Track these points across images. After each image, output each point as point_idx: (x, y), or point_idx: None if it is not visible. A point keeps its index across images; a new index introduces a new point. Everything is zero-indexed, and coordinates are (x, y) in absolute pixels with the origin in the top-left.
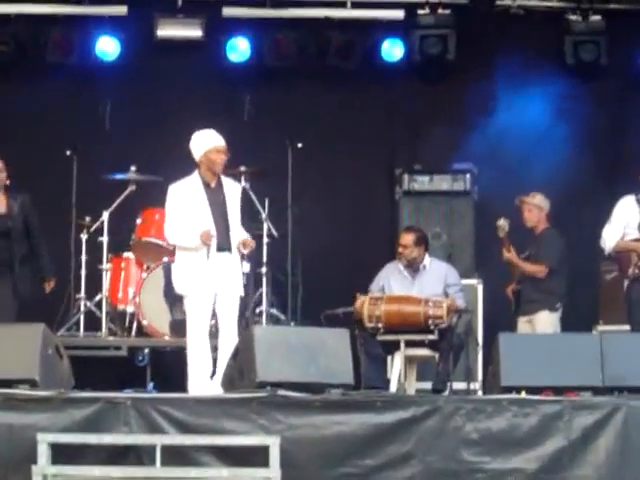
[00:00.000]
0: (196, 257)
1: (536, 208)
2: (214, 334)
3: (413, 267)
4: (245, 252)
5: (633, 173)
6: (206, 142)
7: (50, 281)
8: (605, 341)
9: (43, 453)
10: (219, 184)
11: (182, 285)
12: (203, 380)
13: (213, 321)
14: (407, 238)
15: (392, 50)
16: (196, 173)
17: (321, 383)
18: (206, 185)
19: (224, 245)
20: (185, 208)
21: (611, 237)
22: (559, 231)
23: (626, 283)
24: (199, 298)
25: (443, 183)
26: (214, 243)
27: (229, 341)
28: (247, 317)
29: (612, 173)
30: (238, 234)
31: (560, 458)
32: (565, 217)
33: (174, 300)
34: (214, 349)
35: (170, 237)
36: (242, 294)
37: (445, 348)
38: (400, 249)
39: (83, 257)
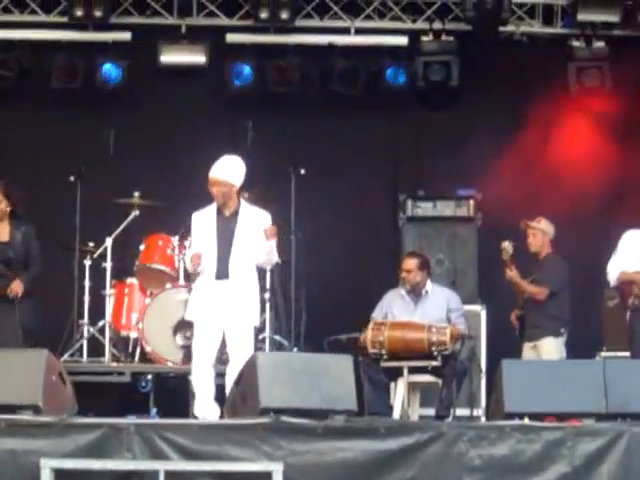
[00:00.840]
0: (200, 284)
1: (540, 233)
2: (225, 361)
3: (416, 292)
4: (269, 242)
5: (636, 200)
6: (210, 173)
7: (16, 285)
8: (608, 367)
9: (46, 479)
10: (234, 213)
11: (188, 311)
12: (206, 403)
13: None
14: (410, 263)
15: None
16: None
17: (324, 409)
18: (219, 213)
19: (222, 273)
20: (200, 236)
21: (616, 268)
22: (562, 257)
23: (628, 313)
24: (200, 324)
25: (446, 209)
26: (212, 272)
27: (236, 370)
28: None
29: (618, 200)
30: (244, 262)
31: None
32: (570, 243)
33: (177, 327)
34: (222, 375)
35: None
36: (256, 323)
37: (448, 374)
38: (404, 274)
39: (86, 283)
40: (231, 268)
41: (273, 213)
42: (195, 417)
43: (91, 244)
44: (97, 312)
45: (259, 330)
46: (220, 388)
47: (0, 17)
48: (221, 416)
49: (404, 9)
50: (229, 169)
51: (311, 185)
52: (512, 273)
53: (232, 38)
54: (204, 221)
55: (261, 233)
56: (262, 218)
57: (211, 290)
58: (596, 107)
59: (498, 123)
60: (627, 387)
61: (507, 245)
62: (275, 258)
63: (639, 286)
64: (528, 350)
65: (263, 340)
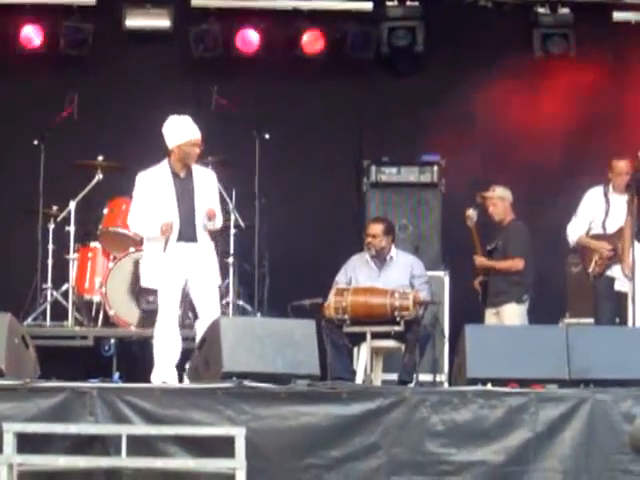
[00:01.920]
0: (157, 248)
1: (499, 200)
2: (189, 325)
3: (380, 258)
4: (209, 225)
5: (600, 164)
6: (182, 134)
7: None
8: (571, 333)
9: (9, 442)
10: (189, 174)
11: (149, 278)
12: (169, 369)
13: (184, 311)
14: (376, 228)
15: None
16: (165, 162)
17: (287, 374)
18: (175, 175)
19: (190, 235)
20: (151, 197)
21: (575, 231)
22: (525, 223)
23: (592, 278)
24: (167, 289)
25: (411, 175)
26: (175, 235)
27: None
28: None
29: (579, 164)
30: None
31: (526, 450)
32: (532, 209)
33: (140, 292)
34: (190, 339)
35: (132, 225)
36: (219, 282)
37: (411, 340)
38: (369, 239)
39: (50, 246)
40: (198, 231)
41: (237, 178)
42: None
43: (55, 208)
44: (60, 276)
45: (222, 295)
46: (184, 353)
47: None
48: (180, 381)
49: None
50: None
51: (275, 150)
52: (480, 259)
53: (197, 2)
54: (156, 182)
55: (212, 192)
56: (211, 178)
57: (174, 252)
58: (560, 74)
59: (463, 89)
60: (590, 353)
61: (471, 212)
62: (220, 225)
63: (598, 253)
64: (490, 316)
65: (227, 305)
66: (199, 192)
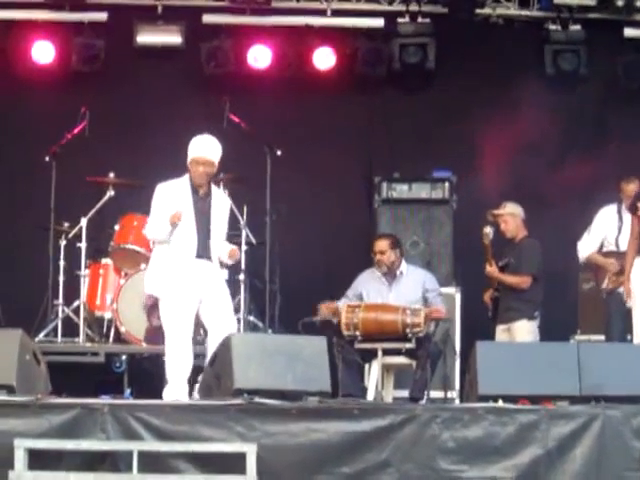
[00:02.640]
0: (175, 260)
1: (510, 217)
2: (199, 341)
3: (391, 273)
4: (229, 262)
5: (611, 182)
6: (192, 150)
7: None
8: (582, 350)
9: (20, 458)
10: (207, 193)
11: (156, 286)
12: (181, 386)
13: (195, 328)
14: (382, 244)
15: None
16: (186, 176)
17: (298, 391)
18: (194, 191)
19: (203, 253)
20: (169, 208)
21: (586, 248)
22: (537, 240)
23: (604, 295)
24: (177, 300)
25: (422, 191)
26: (193, 252)
27: None
28: None
29: (591, 182)
30: (219, 245)
31: (537, 467)
32: (544, 225)
33: (150, 308)
34: (201, 356)
35: (147, 232)
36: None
37: (422, 356)
38: (378, 256)
39: (61, 263)
40: (211, 250)
41: (249, 194)
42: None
43: (66, 224)
44: (72, 292)
45: (234, 311)
46: (195, 369)
47: None
48: (190, 396)
49: None
50: (216, 150)
51: (286, 166)
52: (491, 269)
53: (208, 19)
54: (176, 195)
55: (224, 218)
56: (227, 204)
57: (190, 268)
58: (571, 90)
59: (474, 105)
60: (601, 370)
61: (488, 230)
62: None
63: (611, 270)
64: (501, 333)
65: (238, 321)
66: (215, 213)
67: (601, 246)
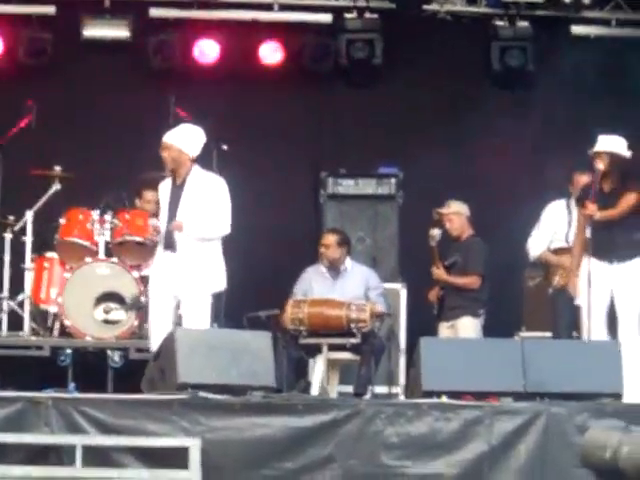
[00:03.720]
0: (156, 258)
1: (455, 216)
2: None
3: (334, 269)
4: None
5: (560, 180)
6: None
7: None
8: (527, 347)
9: None
10: (184, 181)
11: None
12: None
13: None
14: (329, 238)
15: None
16: None
17: (242, 385)
18: (173, 182)
19: (168, 244)
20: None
21: (536, 245)
22: (482, 238)
23: (550, 291)
24: (154, 297)
25: (368, 187)
26: (162, 241)
27: None
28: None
29: (536, 178)
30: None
31: (481, 463)
32: (488, 222)
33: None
34: None
35: None
36: (213, 290)
37: (367, 352)
38: (322, 249)
39: (6, 256)
40: (178, 239)
41: None
42: None
43: (11, 217)
44: (17, 286)
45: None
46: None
47: None
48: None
49: None
50: (181, 135)
51: (232, 161)
52: (439, 272)
53: (156, 13)
54: (163, 191)
55: (211, 199)
56: (215, 184)
57: (161, 262)
58: (518, 87)
59: (421, 101)
60: (545, 367)
61: (435, 232)
62: (210, 234)
63: (566, 268)
64: (444, 329)
65: (181, 316)
66: (186, 200)
67: (550, 242)
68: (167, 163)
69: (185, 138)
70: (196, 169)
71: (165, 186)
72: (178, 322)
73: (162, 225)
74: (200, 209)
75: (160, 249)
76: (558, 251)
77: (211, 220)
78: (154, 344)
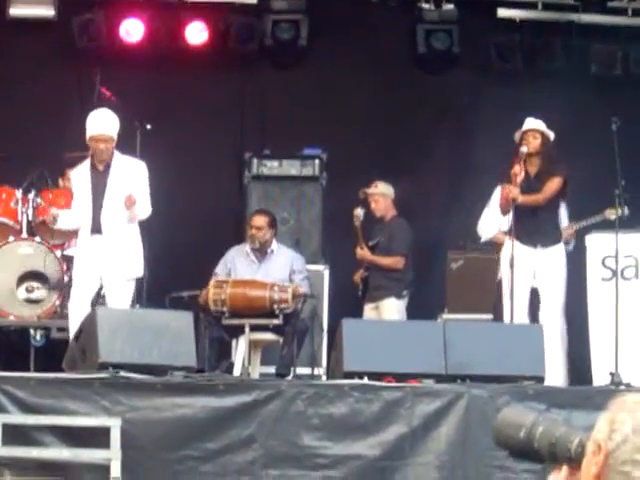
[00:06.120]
0: (79, 240)
1: (381, 197)
2: None
3: (262, 251)
4: (131, 212)
5: (482, 161)
6: (90, 128)
7: None
8: (449, 329)
9: None
10: (107, 166)
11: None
12: None
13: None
14: (261, 220)
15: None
16: (91, 155)
17: (164, 365)
18: (93, 168)
19: (96, 229)
20: (77, 193)
21: (488, 226)
22: (406, 219)
23: (499, 275)
24: (77, 281)
25: (292, 168)
26: (88, 226)
27: None
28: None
29: (462, 161)
30: (117, 217)
31: (402, 445)
32: (412, 205)
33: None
34: None
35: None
36: (136, 275)
37: (290, 333)
38: (254, 231)
39: None
40: (104, 223)
41: None
42: None
43: None
44: None
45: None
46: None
47: None
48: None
49: None
50: (114, 124)
51: (157, 142)
52: (362, 252)
53: None
54: (80, 177)
55: (136, 183)
56: (137, 168)
57: (87, 246)
58: (442, 70)
59: (346, 83)
60: (467, 349)
61: (359, 212)
62: (143, 214)
63: None
64: (369, 311)
65: (104, 296)
66: (114, 184)
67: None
68: (102, 154)
69: (116, 127)
70: (116, 154)
71: (81, 172)
72: (100, 304)
73: (86, 210)
74: (129, 191)
75: (85, 232)
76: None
77: (141, 203)
78: (73, 325)
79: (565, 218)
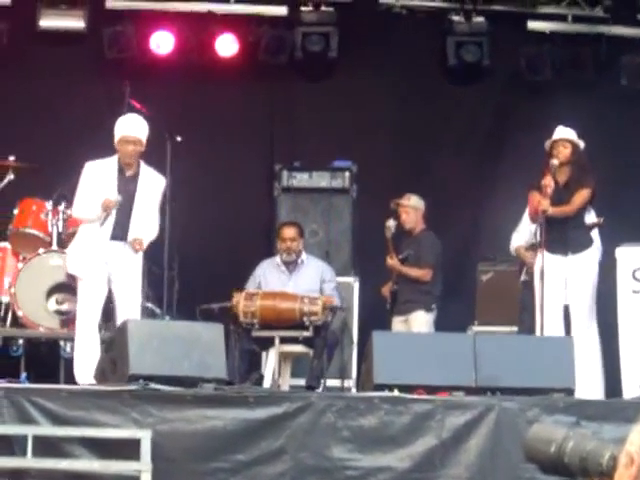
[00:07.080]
0: (94, 240)
1: (412, 210)
2: (100, 327)
3: (293, 262)
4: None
5: (511, 175)
6: (121, 129)
7: None
8: (479, 342)
9: None
10: (136, 173)
11: (76, 266)
12: (87, 369)
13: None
14: (292, 231)
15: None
16: (116, 156)
17: (194, 377)
18: (121, 171)
19: (119, 234)
20: (95, 188)
21: (515, 239)
22: (435, 233)
23: (520, 283)
24: (88, 284)
25: (322, 180)
26: (108, 230)
27: None
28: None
29: (492, 173)
30: (144, 226)
31: (432, 457)
32: (441, 217)
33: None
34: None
35: (74, 211)
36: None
37: (320, 345)
38: (287, 243)
39: None
40: (130, 232)
41: None
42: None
43: None
44: None
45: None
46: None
47: None
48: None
49: None
50: (144, 128)
51: (187, 153)
52: (392, 261)
53: (112, 4)
54: (102, 175)
55: (153, 199)
56: (159, 182)
57: (103, 250)
58: (472, 82)
59: (376, 95)
60: (497, 361)
61: (391, 223)
62: (154, 237)
63: (530, 264)
64: (398, 324)
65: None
66: (141, 194)
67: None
68: (130, 157)
69: (146, 132)
70: (142, 164)
71: (103, 169)
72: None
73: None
74: (150, 209)
75: (101, 234)
76: (531, 247)
77: (155, 221)
78: (84, 332)
79: (593, 217)
